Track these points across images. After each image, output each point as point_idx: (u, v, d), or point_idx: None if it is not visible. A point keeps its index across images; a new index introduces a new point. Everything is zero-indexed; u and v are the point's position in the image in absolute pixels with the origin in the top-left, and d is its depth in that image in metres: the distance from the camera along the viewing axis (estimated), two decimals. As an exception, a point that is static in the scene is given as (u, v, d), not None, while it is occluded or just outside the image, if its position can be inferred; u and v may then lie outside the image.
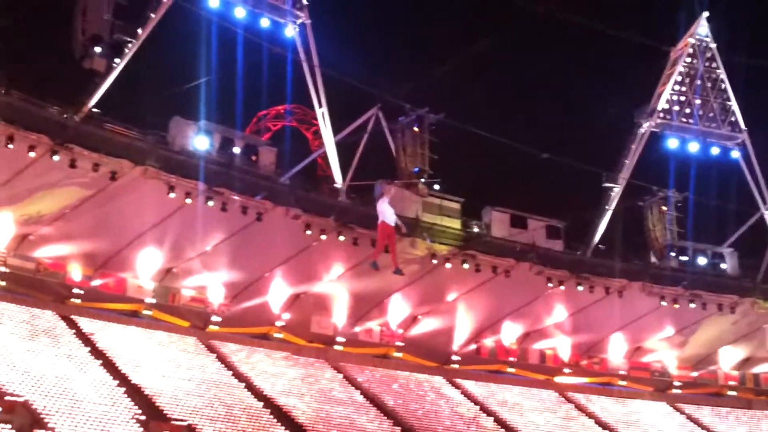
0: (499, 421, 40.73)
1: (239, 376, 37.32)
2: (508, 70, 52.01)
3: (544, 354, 45.79)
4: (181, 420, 32.42)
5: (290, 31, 38.42)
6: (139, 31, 34.73)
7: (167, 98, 37.85)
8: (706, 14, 48.45)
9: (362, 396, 39.20)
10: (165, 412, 32.76)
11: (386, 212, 19.93)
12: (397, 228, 20.87)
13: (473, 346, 44.67)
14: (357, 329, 42.51)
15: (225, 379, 36.63)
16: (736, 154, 48.44)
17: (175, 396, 33.90)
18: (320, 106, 39.19)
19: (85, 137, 33.26)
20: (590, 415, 43.57)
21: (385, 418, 37.97)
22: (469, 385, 43.24)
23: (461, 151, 44.12)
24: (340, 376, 40.29)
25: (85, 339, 35.46)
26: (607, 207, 45.84)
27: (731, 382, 47.07)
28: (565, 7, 41.68)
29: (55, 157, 32.32)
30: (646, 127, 47.54)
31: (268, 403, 36.07)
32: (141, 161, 34.11)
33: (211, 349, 38.48)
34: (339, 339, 41.57)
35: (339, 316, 41.57)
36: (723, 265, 47.57)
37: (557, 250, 43.71)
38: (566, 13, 42.17)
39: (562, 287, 42.27)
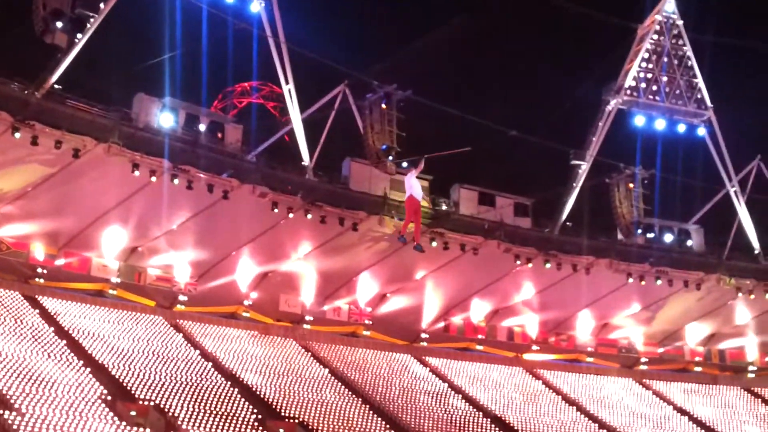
0: (468, 398, 40.87)
1: (206, 355, 37.10)
2: (477, 48, 51.92)
3: (512, 331, 45.94)
4: (148, 399, 32.19)
5: (255, 7, 37.94)
6: (102, 5, 34.07)
7: (131, 74, 37.34)
8: (674, -8, 48.60)
9: (331, 374, 39.13)
10: (132, 391, 32.50)
11: (414, 186, 19.77)
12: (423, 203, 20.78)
13: (442, 324, 44.70)
14: (325, 308, 42.36)
15: (192, 358, 36.39)
16: (702, 131, 48.70)
17: (141, 375, 33.62)
18: (287, 83, 38.81)
19: (47, 114, 32.71)
20: (558, 392, 43.86)
21: (354, 396, 37.95)
22: (438, 362, 43.33)
23: (429, 129, 43.92)
24: (309, 354, 40.19)
25: (50, 319, 35.03)
26: (574, 184, 46.01)
27: (697, 358, 47.56)
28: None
29: (17, 135, 31.74)
30: (613, 104, 47.65)
31: (236, 381, 35.91)
32: (104, 138, 33.58)
33: (178, 328, 38.19)
34: (307, 318, 41.43)
35: (307, 294, 41.41)
36: (689, 242, 48.03)
37: (525, 228, 43.90)
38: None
39: (529, 265, 42.30)
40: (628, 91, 47.82)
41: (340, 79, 39.65)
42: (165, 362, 35.19)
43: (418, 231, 21.82)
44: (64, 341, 33.88)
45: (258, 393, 35.61)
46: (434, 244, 40.45)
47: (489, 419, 39.61)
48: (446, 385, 41.51)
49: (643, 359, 46.91)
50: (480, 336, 45.05)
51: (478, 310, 44.69)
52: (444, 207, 42.92)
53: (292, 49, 38.44)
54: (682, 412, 44.12)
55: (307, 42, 37.91)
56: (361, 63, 40.25)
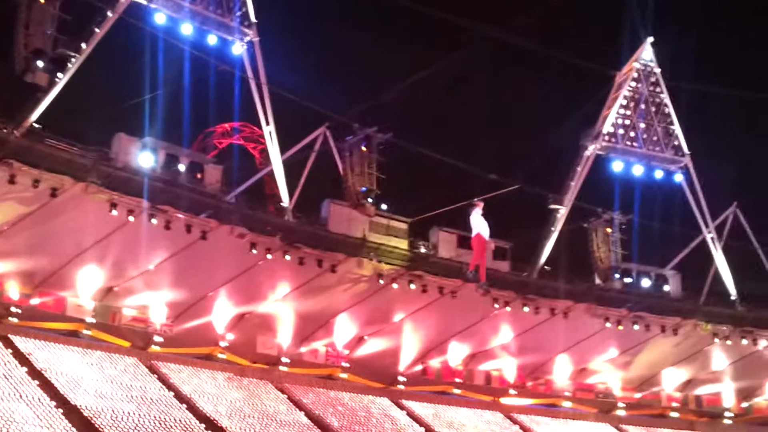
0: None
1: (181, 397, 36.68)
2: (459, 92, 52.28)
3: (489, 375, 45.80)
4: (120, 442, 31.77)
5: (238, 49, 38.17)
6: (83, 45, 34.20)
7: (111, 114, 37.35)
8: (650, 39, 49.28)
9: (307, 418, 38.75)
10: (103, 433, 32.06)
11: (480, 224, 19.81)
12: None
13: (419, 367, 44.51)
14: (302, 350, 42.12)
15: (166, 400, 35.94)
16: (679, 177, 49.18)
17: (114, 417, 33.16)
18: (267, 124, 38.94)
19: (25, 152, 32.60)
20: (536, 437, 43.71)
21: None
22: (415, 406, 43.02)
23: (410, 172, 44.11)
24: (285, 397, 39.83)
25: (23, 359, 34.54)
26: (552, 229, 46.24)
27: (674, 404, 47.49)
28: (515, 31, 42.06)
29: (-6, 173, 31.62)
30: (591, 149, 48.12)
31: (211, 424, 35.48)
32: (82, 177, 33.53)
33: (153, 369, 37.77)
34: (284, 359, 41.12)
35: (284, 336, 41.17)
36: (666, 287, 48.25)
37: (504, 271, 43.93)
38: (516, 37, 42.54)
39: (508, 308, 42.36)
40: (606, 137, 48.33)
41: (321, 121, 39.90)
42: (138, 404, 34.74)
43: (484, 268, 21.76)
44: (37, 381, 33.39)
45: (233, 437, 35.22)
46: (413, 286, 40.53)
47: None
48: (423, 429, 41.19)
49: (621, 404, 46.78)
50: (458, 380, 44.85)
51: (456, 353, 44.58)
52: (423, 249, 42.98)
53: (274, 91, 38.66)
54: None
55: (289, 83, 38.09)
56: (343, 105, 40.40)
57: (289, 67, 40.10)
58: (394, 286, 40.40)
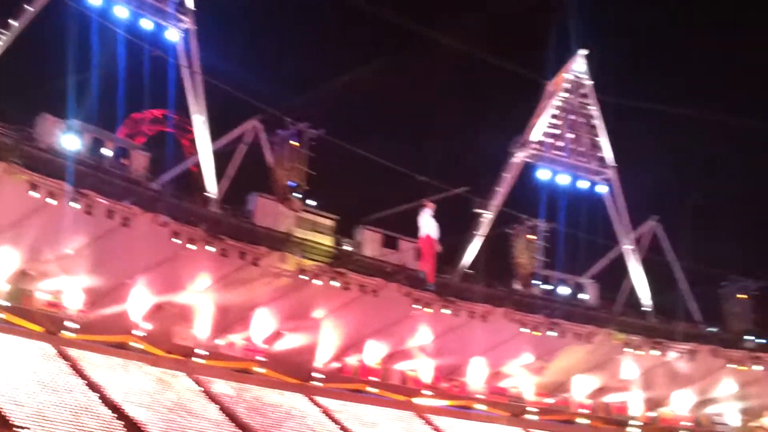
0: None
1: (92, 384, 35.94)
2: (393, 94, 52.35)
3: (405, 375, 46.04)
4: (25, 427, 31.03)
5: (173, 35, 37.49)
6: (14, 23, 33.19)
7: (38, 95, 36.35)
8: (584, 52, 50.05)
9: (219, 410, 38.43)
10: (9, 419, 31.27)
11: (429, 226, 19.83)
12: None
13: (337, 365, 44.51)
14: (219, 342, 41.70)
15: (76, 387, 35.18)
16: (602, 188, 50.20)
17: (20, 402, 32.36)
18: (198, 113, 38.41)
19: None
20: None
21: (242, 434, 37.43)
22: (329, 403, 42.96)
23: (339, 169, 44.09)
24: (199, 389, 39.39)
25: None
26: (476, 233, 46.78)
27: (583, 410, 48.38)
28: (451, 36, 42.31)
29: None
30: (519, 157, 48.78)
31: (120, 413, 34.90)
32: (3, 157, 32.58)
33: (65, 356, 36.93)
34: (200, 351, 40.61)
35: (201, 327, 40.64)
36: (583, 296, 49.30)
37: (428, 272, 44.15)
38: (452, 41, 42.81)
39: (428, 309, 42.65)
40: (534, 146, 49.02)
41: (253, 113, 39.53)
42: (48, 391, 33.98)
43: (433, 271, 21.88)
44: (-58, 365, 32.47)
45: (143, 428, 34.73)
46: (335, 283, 40.50)
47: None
48: (337, 426, 41.25)
49: (532, 409, 47.47)
50: (374, 378, 44.97)
51: (374, 352, 44.68)
52: (347, 247, 42.99)
53: (208, 81, 38.12)
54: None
55: (224, 73, 37.63)
56: (276, 99, 40.07)
57: (225, 57, 39.60)
58: (317, 282, 40.30)
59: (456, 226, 46.81)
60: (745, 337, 47.96)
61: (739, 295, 49.28)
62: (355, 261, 42.12)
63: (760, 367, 47.42)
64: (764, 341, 48.07)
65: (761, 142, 54.63)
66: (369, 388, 44.55)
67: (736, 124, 50.93)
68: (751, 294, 49.47)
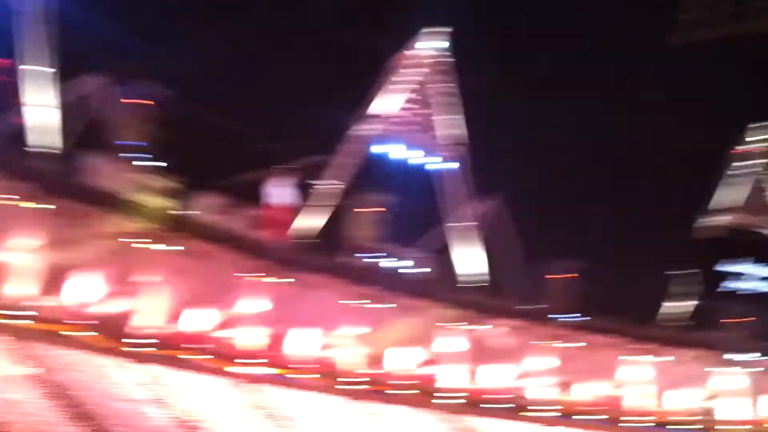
0: (167, 407, 39.93)
1: None
2: (247, 64, 51.04)
3: (229, 342, 45.32)
4: None
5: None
6: None
7: None
8: (434, 29, 50.52)
9: (32, 373, 36.48)
10: None
11: (284, 194, 19.06)
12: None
13: (162, 330, 43.22)
14: (40, 303, 39.50)
15: None
16: (445, 165, 51.09)
17: None
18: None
19: None
20: (263, 407, 43.85)
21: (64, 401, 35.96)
22: (146, 368, 41.58)
23: (184, 132, 42.68)
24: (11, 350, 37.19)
25: None
26: (314, 204, 46.73)
27: (405, 381, 49.26)
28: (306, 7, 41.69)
29: None
30: (360, 130, 48.92)
31: None
32: None
33: None
34: (18, 312, 38.21)
35: (22, 288, 38.30)
36: (416, 270, 50.21)
37: (264, 241, 43.76)
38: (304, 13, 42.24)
39: (261, 278, 42.21)
40: (379, 120, 49.24)
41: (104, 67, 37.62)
42: None
43: (283, 239, 21.35)
44: None
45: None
46: (172, 247, 39.34)
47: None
48: (148, 393, 40.07)
49: (356, 379, 47.82)
50: (197, 345, 43.89)
51: (203, 318, 43.75)
52: (186, 211, 41.88)
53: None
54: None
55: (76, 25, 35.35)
56: (126, 56, 38.22)
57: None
58: (151, 245, 39.01)
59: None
60: (566, 315, 50.29)
61: (563, 275, 51.59)
62: (191, 226, 41.08)
63: (577, 344, 50.05)
64: (583, 319, 50.63)
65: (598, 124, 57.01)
66: (191, 354, 43.47)
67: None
68: (572, 274, 51.90)
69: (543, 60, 61.22)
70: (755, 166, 59.37)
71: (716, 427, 54.46)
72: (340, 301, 45.22)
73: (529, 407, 51.43)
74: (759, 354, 54.45)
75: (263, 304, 43.93)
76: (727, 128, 60.35)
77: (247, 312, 44.28)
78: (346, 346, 47.91)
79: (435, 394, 49.83)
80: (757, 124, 59.37)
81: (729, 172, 59.29)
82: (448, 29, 50.28)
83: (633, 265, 54.57)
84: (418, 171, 50.08)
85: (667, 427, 53.44)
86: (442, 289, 48.17)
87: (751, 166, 59.34)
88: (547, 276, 52.15)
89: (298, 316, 45.40)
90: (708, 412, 55.32)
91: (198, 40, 38.87)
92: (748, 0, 45.94)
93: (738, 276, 56.24)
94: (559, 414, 51.87)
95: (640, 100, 61.17)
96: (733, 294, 56.63)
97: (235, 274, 41.71)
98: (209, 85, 49.44)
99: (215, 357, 44.23)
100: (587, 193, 60.79)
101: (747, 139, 59.64)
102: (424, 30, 50.75)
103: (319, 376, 46.92)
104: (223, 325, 44.79)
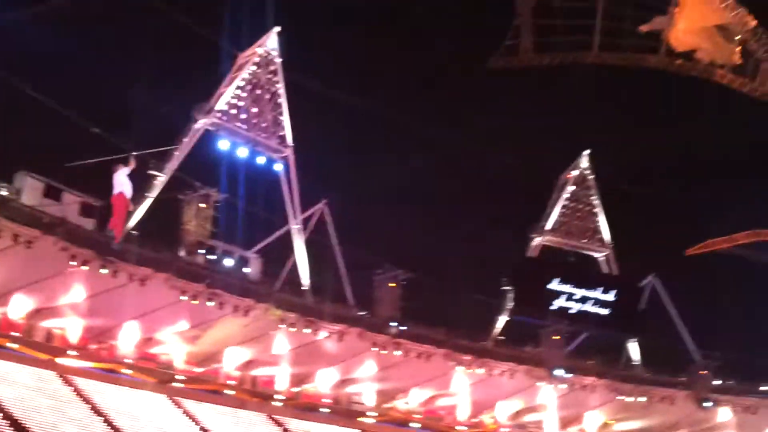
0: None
1: None
2: (81, 46, 49.29)
3: (51, 333, 43.88)
4: None
5: None
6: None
7: None
8: (278, 29, 50.63)
9: None
10: None
11: (125, 183, 18.08)
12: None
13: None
14: None
15: None
16: (279, 167, 51.15)
17: None
18: None
19: None
20: (87, 401, 42.65)
21: None
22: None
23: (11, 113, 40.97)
24: None
25: None
26: (147, 194, 45.77)
27: (231, 382, 48.96)
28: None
29: None
30: (201, 123, 48.41)
31: None
32: None
33: None
34: None
35: None
36: (247, 269, 49.92)
37: (88, 229, 42.52)
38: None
39: (85, 267, 40.97)
40: (218, 114, 48.86)
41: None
42: None
43: (121, 230, 20.38)
44: None
45: None
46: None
47: (8, 422, 37.48)
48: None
49: (180, 377, 47.19)
50: (15, 334, 42.31)
51: (20, 306, 42.08)
52: (4, 192, 40.15)
53: None
54: (206, 432, 45.29)
55: None
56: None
57: None
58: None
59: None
60: (390, 323, 51.03)
61: (389, 284, 52.36)
62: (11, 208, 39.45)
63: (400, 352, 50.86)
64: (405, 328, 51.45)
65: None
66: (9, 344, 41.91)
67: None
68: (400, 283, 52.77)
69: (379, 69, 62.49)
70: (583, 191, 62.06)
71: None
72: (166, 296, 44.35)
73: (353, 413, 51.97)
74: (578, 372, 56.62)
75: (90, 296, 42.69)
76: (565, 153, 62.83)
77: (73, 302, 42.94)
78: (171, 342, 47.15)
79: (260, 396, 49.72)
80: (587, 152, 62.15)
81: (562, 195, 61.65)
82: (278, 29, 50.33)
83: (462, 278, 55.88)
84: (253, 169, 49.83)
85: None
86: (269, 290, 47.90)
87: (580, 192, 62.00)
88: (373, 283, 52.67)
89: (123, 309, 44.32)
90: (529, 425, 57.18)
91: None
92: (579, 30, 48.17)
93: (561, 294, 58.39)
94: (384, 421, 52.53)
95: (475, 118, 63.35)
96: (556, 312, 58.61)
97: (60, 262, 40.22)
98: (45, 67, 47.79)
99: (41, 347, 42.82)
100: (419, 203, 62.31)
101: (580, 166, 62.22)
102: (274, 29, 50.71)
103: (142, 372, 46.07)
104: (49, 315, 43.34)
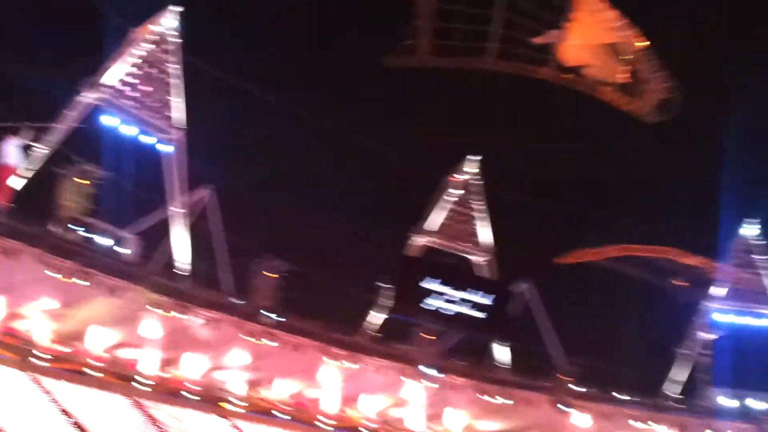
0: None
1: None
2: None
3: None
4: None
5: None
6: None
7: None
8: (177, 8, 49.98)
9: None
10: None
11: (13, 155, 17.56)
12: None
13: None
14: None
15: None
16: (166, 148, 50.61)
17: None
18: None
19: None
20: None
21: None
22: None
23: None
24: None
25: None
26: (31, 168, 44.85)
27: (96, 363, 48.16)
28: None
29: None
30: (86, 96, 47.54)
31: None
32: None
33: None
34: None
35: None
36: (123, 250, 49.25)
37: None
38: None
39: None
40: (107, 90, 48.00)
41: None
42: None
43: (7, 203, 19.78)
44: None
45: None
46: None
47: None
48: None
49: (43, 355, 46.12)
50: None
51: None
52: None
53: None
54: (66, 414, 44.43)
55: None
56: None
57: None
58: None
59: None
60: (265, 313, 51.20)
61: (267, 273, 52.51)
62: None
63: (273, 343, 51.12)
64: (281, 319, 51.78)
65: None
66: None
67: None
68: (279, 274, 53.00)
69: (280, 60, 62.40)
70: (468, 195, 63.34)
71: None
72: (35, 271, 43.45)
73: (222, 401, 51.79)
74: (447, 372, 57.99)
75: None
76: (455, 156, 63.92)
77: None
78: (36, 319, 46.18)
79: (129, 379, 49.08)
80: (476, 158, 63.40)
81: (444, 197, 62.79)
82: (177, 8, 49.79)
83: (341, 273, 56.50)
84: (139, 148, 49.22)
85: (360, 430, 55.36)
86: (145, 272, 47.44)
87: (465, 196, 63.26)
88: (253, 272, 52.76)
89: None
90: (396, 421, 58.17)
91: None
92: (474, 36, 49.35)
93: (437, 294, 59.63)
94: (252, 410, 52.56)
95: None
96: (431, 312, 59.83)
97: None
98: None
99: None
100: (307, 196, 62.54)
101: (465, 169, 63.44)
102: (171, 8, 50.06)
103: (3, 347, 44.90)
104: None
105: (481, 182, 63.64)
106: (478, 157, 63.43)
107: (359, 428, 55.20)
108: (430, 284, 60.01)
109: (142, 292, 46.93)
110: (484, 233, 63.50)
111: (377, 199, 63.20)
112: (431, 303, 60.15)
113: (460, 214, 62.89)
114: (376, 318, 59.06)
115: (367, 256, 59.18)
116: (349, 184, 64.67)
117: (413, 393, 57.30)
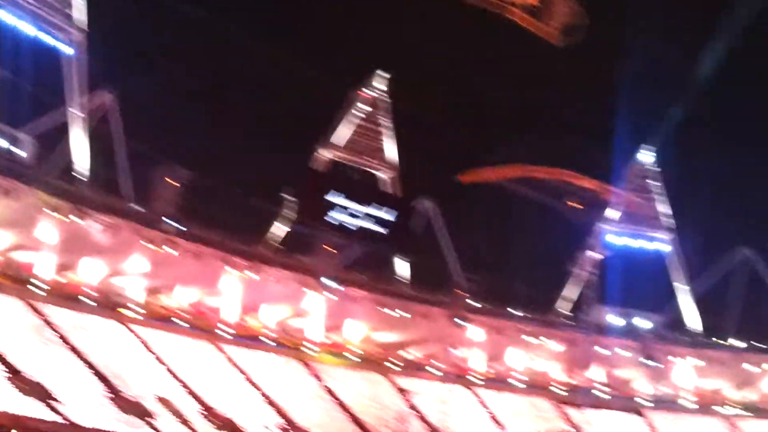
0: None
1: None
2: None
3: None
4: None
5: None
6: None
7: None
8: None
9: None
10: None
11: None
12: None
13: None
14: None
15: None
16: (67, 49, 49.10)
17: None
18: None
19: None
20: None
21: None
22: None
23: None
24: None
25: None
26: None
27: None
28: None
29: None
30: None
31: None
32: None
33: None
34: None
35: None
36: (19, 151, 48.16)
37: None
38: None
39: None
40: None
41: None
42: None
43: None
44: None
45: None
46: None
47: None
48: None
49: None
50: None
51: None
52: None
53: None
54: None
55: None
56: None
57: None
58: None
59: None
60: (165, 220, 50.93)
61: (169, 181, 52.06)
62: None
63: (173, 251, 51.00)
64: (183, 228, 51.60)
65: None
66: None
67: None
68: (182, 182, 52.60)
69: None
70: (376, 112, 63.51)
71: (302, 345, 57.91)
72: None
73: (121, 306, 51.60)
74: (347, 283, 58.76)
75: None
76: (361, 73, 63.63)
77: None
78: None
79: (24, 282, 48.46)
80: (385, 74, 63.29)
81: (352, 112, 62.82)
82: None
83: (245, 184, 56.35)
84: (39, 48, 47.72)
85: (260, 339, 55.92)
86: (41, 175, 46.55)
87: (373, 112, 63.41)
88: (155, 180, 52.23)
89: None
90: (295, 331, 58.89)
91: None
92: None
93: (341, 208, 60.05)
94: (150, 317, 52.47)
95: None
96: (335, 225, 60.30)
97: None
98: None
99: None
100: (211, 106, 61.70)
101: (373, 85, 63.45)
102: None
103: None
104: None
105: (389, 99, 63.77)
106: (387, 75, 63.41)
107: (259, 337, 55.76)
108: (334, 198, 60.34)
109: (39, 194, 46.06)
110: (390, 150, 63.99)
111: (284, 110, 62.78)
112: (335, 216, 60.49)
113: (367, 129, 63.19)
114: (279, 229, 59.32)
115: (272, 167, 58.97)
116: (255, 94, 64.04)
117: (314, 304, 57.99)
